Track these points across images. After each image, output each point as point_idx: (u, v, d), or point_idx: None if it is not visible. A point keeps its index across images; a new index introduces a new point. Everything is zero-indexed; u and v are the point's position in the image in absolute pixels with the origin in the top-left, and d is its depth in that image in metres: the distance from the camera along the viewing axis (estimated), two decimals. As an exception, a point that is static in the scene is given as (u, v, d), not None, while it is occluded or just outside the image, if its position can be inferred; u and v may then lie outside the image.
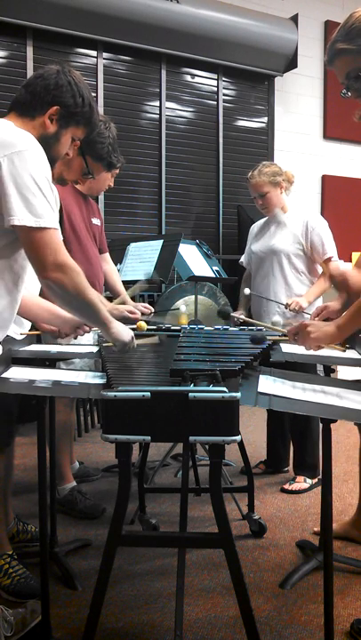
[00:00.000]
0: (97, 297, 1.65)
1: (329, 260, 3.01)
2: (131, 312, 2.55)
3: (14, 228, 1.48)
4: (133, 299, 3.22)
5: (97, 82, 5.22)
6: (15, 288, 1.65)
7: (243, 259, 3.36)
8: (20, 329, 2.05)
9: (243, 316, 3.12)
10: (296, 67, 5.91)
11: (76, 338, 2.06)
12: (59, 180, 2.31)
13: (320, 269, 3.07)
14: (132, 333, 1.75)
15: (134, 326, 2.17)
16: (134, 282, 3.50)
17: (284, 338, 2.01)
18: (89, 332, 2.06)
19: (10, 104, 1.66)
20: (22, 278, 1.68)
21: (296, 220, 3.07)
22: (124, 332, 1.72)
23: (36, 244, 1.49)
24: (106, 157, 2.58)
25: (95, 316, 1.65)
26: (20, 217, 1.46)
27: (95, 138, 2.43)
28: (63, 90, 1.63)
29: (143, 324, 2.26)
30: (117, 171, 2.79)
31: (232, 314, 3.20)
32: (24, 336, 2.05)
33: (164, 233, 5.48)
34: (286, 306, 2.90)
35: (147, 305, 2.97)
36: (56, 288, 1.54)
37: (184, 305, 3.31)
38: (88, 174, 2.42)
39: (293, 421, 3.08)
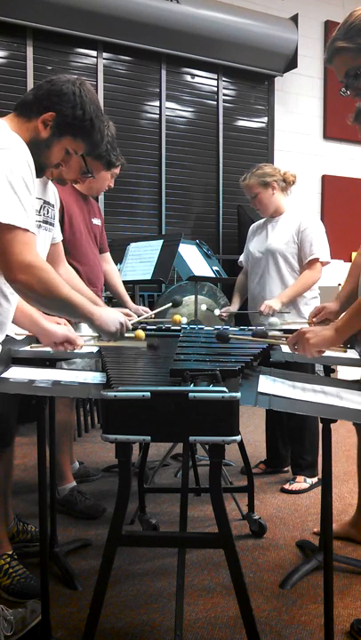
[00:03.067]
0: (72, 291, 1.56)
1: (315, 260, 2.99)
2: (126, 315, 2.52)
3: None
4: (133, 298, 3.22)
5: (97, 82, 5.22)
6: (12, 294, 1.64)
7: (241, 258, 3.36)
8: (19, 329, 2.05)
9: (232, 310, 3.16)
10: (296, 67, 5.91)
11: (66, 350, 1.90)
12: (58, 180, 2.29)
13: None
14: (120, 319, 1.70)
15: (132, 335, 2.12)
16: (134, 282, 3.50)
17: (280, 341, 2.01)
18: (74, 349, 1.87)
19: (15, 103, 1.66)
20: None
21: (292, 221, 3.07)
22: (110, 322, 1.67)
23: (3, 243, 1.42)
24: (105, 156, 2.57)
25: (74, 310, 1.59)
26: None
27: None
28: (64, 98, 1.60)
29: (141, 333, 2.21)
30: (117, 171, 2.79)
31: (221, 311, 3.21)
32: (24, 336, 2.05)
33: (164, 233, 5.48)
34: (260, 313, 2.87)
35: (146, 309, 2.98)
36: (24, 290, 1.47)
37: (183, 300, 3.31)
38: (87, 173, 2.41)
39: (289, 421, 3.09)
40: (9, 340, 1.83)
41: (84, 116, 1.62)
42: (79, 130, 1.64)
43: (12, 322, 1.87)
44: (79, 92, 1.62)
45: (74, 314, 1.62)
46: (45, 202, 2.19)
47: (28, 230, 1.46)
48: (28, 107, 1.62)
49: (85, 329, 2.28)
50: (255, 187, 3.07)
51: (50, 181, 2.22)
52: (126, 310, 2.57)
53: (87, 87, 1.66)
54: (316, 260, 2.98)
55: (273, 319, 2.73)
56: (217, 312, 3.20)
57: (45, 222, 2.18)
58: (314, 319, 2.30)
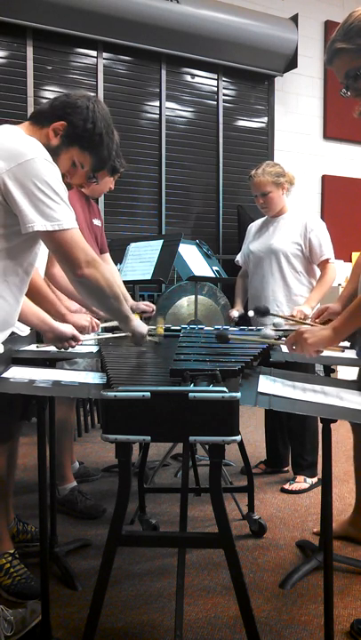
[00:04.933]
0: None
1: (326, 261, 3.01)
2: (143, 311, 2.73)
3: (38, 234, 1.52)
4: (133, 298, 3.22)
5: (97, 82, 5.22)
6: (19, 291, 1.67)
7: (238, 257, 3.35)
8: (23, 325, 2.04)
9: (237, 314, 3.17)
10: (296, 67, 5.91)
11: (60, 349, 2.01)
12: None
13: (318, 270, 3.07)
14: (146, 327, 1.85)
15: (154, 327, 2.20)
16: (134, 282, 3.51)
17: (279, 342, 2.01)
18: (73, 347, 2.00)
19: (31, 113, 1.74)
20: (26, 283, 1.70)
21: (295, 221, 3.07)
22: (142, 326, 1.84)
23: (64, 246, 1.54)
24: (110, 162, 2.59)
25: (119, 309, 1.73)
26: (40, 223, 1.49)
27: None
28: (77, 110, 1.66)
29: (161, 329, 2.28)
30: (118, 175, 2.82)
31: (230, 312, 3.23)
32: (27, 333, 2.06)
33: (164, 233, 5.48)
34: (291, 317, 2.84)
35: (148, 303, 2.99)
36: (90, 284, 1.60)
37: (186, 300, 3.31)
38: (92, 179, 2.44)
39: (290, 421, 3.08)
40: (11, 338, 1.83)
41: (95, 130, 1.68)
42: (88, 143, 1.69)
43: (21, 321, 1.93)
44: (93, 107, 1.68)
45: (118, 312, 1.76)
46: None
47: (77, 228, 1.58)
48: (42, 115, 1.68)
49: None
50: (268, 185, 3.04)
51: None
52: (146, 302, 2.68)
53: (102, 105, 1.73)
54: (328, 260, 3.01)
55: (278, 320, 2.73)
56: (235, 313, 3.20)
57: None
58: (317, 320, 2.30)
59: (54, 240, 1.53)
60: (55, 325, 1.92)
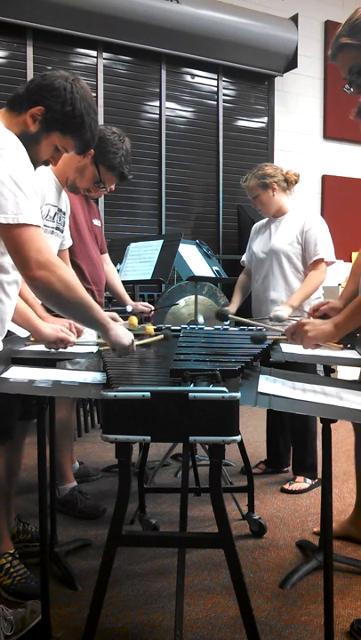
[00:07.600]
0: (89, 296, 1.56)
1: (320, 261, 2.97)
2: (141, 312, 2.71)
3: None
4: (133, 298, 3.22)
5: (97, 82, 5.22)
6: (11, 289, 1.64)
7: (244, 257, 3.35)
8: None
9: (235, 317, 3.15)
10: (296, 67, 5.91)
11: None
12: (71, 188, 2.38)
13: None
14: (132, 336, 1.67)
15: (127, 322, 2.17)
16: (134, 282, 3.51)
17: (283, 337, 2.02)
18: (65, 348, 1.89)
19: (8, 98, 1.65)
20: (19, 279, 1.67)
21: (295, 221, 3.06)
22: (124, 335, 1.63)
23: (17, 242, 1.43)
24: (118, 167, 2.52)
25: (89, 315, 1.55)
26: None
27: (108, 148, 2.43)
28: (54, 93, 1.58)
29: (134, 320, 2.27)
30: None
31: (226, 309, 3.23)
32: (28, 334, 2.05)
33: (164, 233, 5.48)
34: (270, 319, 2.78)
35: (147, 304, 3.01)
36: (42, 287, 1.45)
37: (184, 301, 3.31)
38: (100, 183, 2.45)
39: (292, 421, 3.08)
40: (10, 338, 1.83)
41: (74, 113, 1.59)
42: (68, 126, 1.61)
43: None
44: (70, 87, 1.59)
45: (89, 319, 1.58)
46: (59, 209, 2.29)
47: (40, 227, 1.47)
48: (19, 100, 1.59)
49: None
50: (255, 188, 3.07)
51: (63, 190, 2.32)
52: (145, 303, 2.67)
53: (80, 84, 1.63)
54: (321, 260, 2.97)
55: (280, 313, 2.72)
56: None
57: (57, 229, 2.29)
58: (316, 313, 2.28)
59: (8, 235, 1.43)
60: (40, 327, 1.82)
